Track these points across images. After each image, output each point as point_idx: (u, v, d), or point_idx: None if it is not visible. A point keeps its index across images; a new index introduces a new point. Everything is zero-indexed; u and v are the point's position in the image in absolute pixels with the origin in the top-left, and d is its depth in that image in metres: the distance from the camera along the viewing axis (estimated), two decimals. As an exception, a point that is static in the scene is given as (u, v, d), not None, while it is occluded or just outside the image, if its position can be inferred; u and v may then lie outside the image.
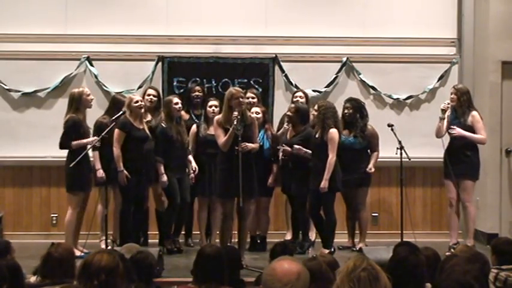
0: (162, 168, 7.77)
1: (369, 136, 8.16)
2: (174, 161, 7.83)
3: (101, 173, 7.66)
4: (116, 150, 7.49)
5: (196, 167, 7.91)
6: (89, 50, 8.93)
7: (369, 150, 8.23)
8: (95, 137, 7.48)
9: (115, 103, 7.98)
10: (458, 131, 7.75)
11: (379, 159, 8.28)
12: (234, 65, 9.00)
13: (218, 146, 7.11)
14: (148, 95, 8.14)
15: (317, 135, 7.64)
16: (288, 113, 8.03)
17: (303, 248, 7.85)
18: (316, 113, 7.73)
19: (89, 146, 7.45)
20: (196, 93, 8.38)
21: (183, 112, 8.17)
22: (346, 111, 8.17)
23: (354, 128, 8.12)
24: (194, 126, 8.09)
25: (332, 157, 7.49)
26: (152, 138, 7.78)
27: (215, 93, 8.75)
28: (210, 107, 8.01)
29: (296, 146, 7.76)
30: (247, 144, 7.02)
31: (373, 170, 8.15)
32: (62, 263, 4.23)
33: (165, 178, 7.76)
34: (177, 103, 7.92)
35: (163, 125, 7.86)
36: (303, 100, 8.23)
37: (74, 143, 7.50)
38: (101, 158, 7.67)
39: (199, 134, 8.02)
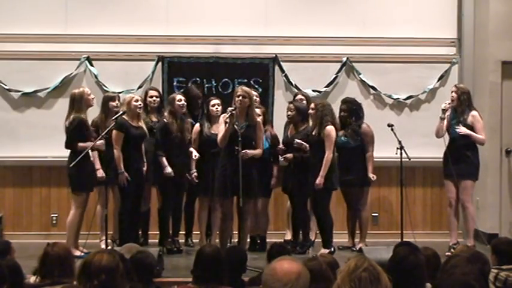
0: (164, 161, 7.74)
1: (362, 134, 8.12)
2: (173, 158, 7.82)
3: (100, 172, 7.68)
4: (116, 152, 7.48)
5: (195, 173, 7.92)
6: (89, 50, 8.92)
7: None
8: (102, 141, 7.44)
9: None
10: (463, 129, 7.74)
11: (379, 160, 8.28)
12: (234, 65, 8.98)
13: None
14: (151, 96, 8.15)
15: (314, 133, 7.65)
16: (289, 113, 8.05)
17: (303, 248, 7.86)
18: (313, 112, 7.74)
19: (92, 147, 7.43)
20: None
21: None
22: (342, 113, 8.16)
23: (346, 128, 8.12)
24: (197, 125, 8.08)
25: (328, 154, 7.49)
26: (152, 136, 7.79)
27: (215, 93, 8.75)
28: (213, 105, 8.00)
29: (297, 141, 7.75)
30: (247, 151, 7.06)
31: (374, 177, 8.12)
32: (59, 262, 4.20)
33: (169, 170, 7.73)
34: (180, 100, 7.91)
35: (165, 120, 7.87)
36: (304, 102, 8.23)
37: (81, 144, 7.42)
38: (101, 158, 7.68)
39: (203, 133, 8.01)
